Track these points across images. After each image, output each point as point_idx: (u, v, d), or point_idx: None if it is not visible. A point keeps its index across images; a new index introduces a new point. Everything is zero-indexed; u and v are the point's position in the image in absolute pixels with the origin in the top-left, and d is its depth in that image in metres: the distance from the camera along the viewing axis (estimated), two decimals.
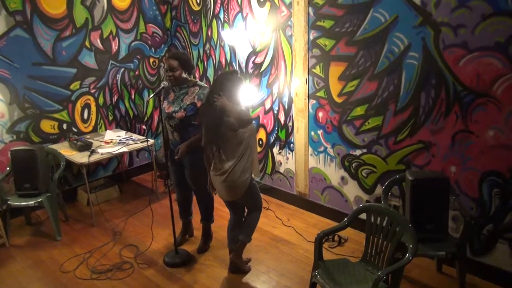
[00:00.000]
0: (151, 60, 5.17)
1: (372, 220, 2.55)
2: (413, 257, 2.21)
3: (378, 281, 2.17)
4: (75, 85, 4.48)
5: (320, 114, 3.71)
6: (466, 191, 2.91)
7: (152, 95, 2.93)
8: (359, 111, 3.40)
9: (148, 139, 4.27)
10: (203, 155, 3.08)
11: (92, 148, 4.04)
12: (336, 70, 3.47)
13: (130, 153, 5.07)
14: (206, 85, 3.17)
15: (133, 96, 5.08)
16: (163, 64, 5.32)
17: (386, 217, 2.48)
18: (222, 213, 3.86)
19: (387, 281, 2.38)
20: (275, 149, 4.28)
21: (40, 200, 3.67)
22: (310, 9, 3.50)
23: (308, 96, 3.75)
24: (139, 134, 4.96)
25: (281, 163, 4.27)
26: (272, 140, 4.27)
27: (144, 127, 5.25)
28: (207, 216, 3.50)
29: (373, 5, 3.07)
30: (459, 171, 2.91)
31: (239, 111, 2.75)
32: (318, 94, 3.67)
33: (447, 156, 2.95)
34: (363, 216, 2.58)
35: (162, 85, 2.95)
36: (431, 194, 2.66)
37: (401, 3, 2.91)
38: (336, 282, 2.38)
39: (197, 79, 3.35)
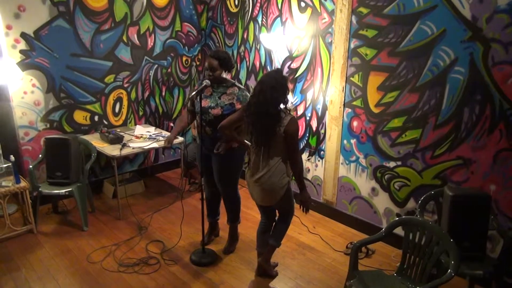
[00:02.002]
0: (184, 58, 5.21)
1: (411, 233, 2.52)
2: (456, 273, 2.17)
3: None
4: (109, 78, 4.53)
5: (355, 123, 3.69)
6: (505, 211, 2.85)
7: (194, 93, 2.93)
8: (396, 122, 3.37)
9: (177, 137, 4.28)
10: (233, 156, 3.09)
11: (123, 142, 4.07)
12: (375, 80, 3.44)
13: (156, 149, 5.10)
14: (244, 87, 3.18)
15: (163, 93, 5.11)
16: (195, 64, 5.35)
17: (425, 231, 2.45)
18: (248, 216, 3.85)
19: None
20: (304, 156, 4.26)
21: (70, 189, 3.70)
22: (353, 18, 3.49)
23: (344, 105, 3.73)
24: (167, 131, 4.98)
25: (309, 170, 4.24)
26: (302, 146, 4.25)
27: (172, 124, 5.28)
28: (234, 217, 3.49)
29: (420, 17, 3.05)
30: (499, 190, 2.85)
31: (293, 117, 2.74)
32: (354, 103, 3.65)
33: (487, 174, 2.90)
34: (394, 230, 2.55)
35: (204, 83, 2.95)
36: (470, 211, 2.60)
37: (451, 16, 2.88)
38: None
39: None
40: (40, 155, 3.89)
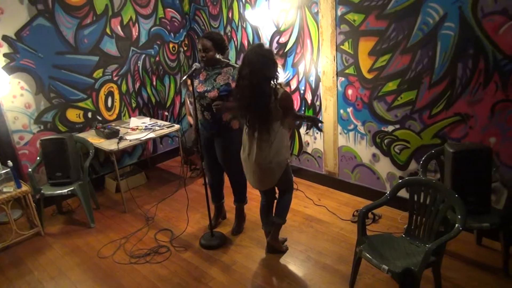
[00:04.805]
0: (171, 45, 5.14)
1: (415, 194, 2.53)
2: (463, 228, 2.19)
3: (429, 253, 2.15)
4: (98, 73, 4.47)
5: (350, 92, 3.66)
6: (507, 161, 2.86)
7: (184, 77, 2.89)
8: (391, 86, 3.34)
9: (174, 124, 4.27)
10: (235, 137, 3.07)
11: (120, 135, 4.05)
12: (366, 45, 3.40)
13: (154, 140, 5.08)
14: (238, 65, 3.13)
15: (154, 83, 5.06)
16: (182, 49, 5.28)
17: (430, 190, 2.46)
18: (252, 196, 3.84)
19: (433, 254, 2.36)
20: (302, 130, 4.25)
21: (72, 188, 3.69)
22: None
23: (337, 74, 3.69)
24: (162, 120, 4.95)
25: (308, 143, 4.24)
26: (298, 122, 4.23)
27: (166, 113, 5.24)
28: (241, 197, 3.50)
29: None
30: (499, 142, 2.86)
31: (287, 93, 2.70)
32: (347, 71, 3.61)
33: (486, 128, 2.90)
34: (399, 193, 2.56)
35: (194, 67, 2.90)
36: (472, 165, 2.61)
37: None
38: (382, 257, 2.37)
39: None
40: (38, 158, 3.87)
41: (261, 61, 2.57)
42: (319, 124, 3.05)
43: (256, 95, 2.59)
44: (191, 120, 4.48)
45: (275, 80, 2.64)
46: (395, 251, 2.44)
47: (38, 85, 4.02)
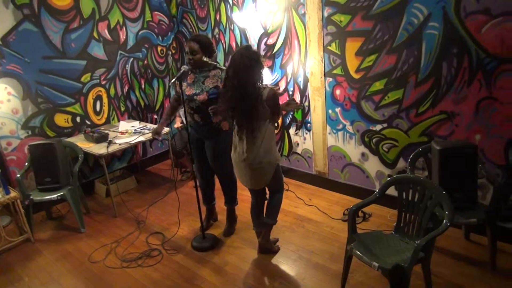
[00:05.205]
0: (159, 48, 5.13)
1: (404, 191, 2.57)
2: (451, 224, 2.23)
3: (418, 249, 2.19)
4: (85, 77, 4.45)
5: (338, 92, 3.70)
6: (491, 158, 2.92)
7: (173, 80, 2.90)
8: (378, 85, 3.39)
9: (164, 127, 4.25)
10: (225, 138, 3.08)
11: (109, 139, 4.03)
12: (352, 46, 3.45)
13: (144, 143, 5.07)
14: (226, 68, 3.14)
15: (143, 86, 5.05)
16: (170, 52, 5.28)
17: (418, 187, 2.50)
18: (243, 197, 3.86)
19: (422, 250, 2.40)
20: (292, 130, 4.28)
21: (62, 193, 3.67)
22: None
23: (325, 74, 3.73)
24: (152, 123, 4.94)
25: (298, 144, 4.27)
26: (288, 122, 4.26)
27: (155, 116, 5.23)
28: (231, 199, 3.51)
29: None
30: (484, 139, 2.91)
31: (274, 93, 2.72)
32: (334, 71, 3.65)
33: (471, 125, 2.95)
34: (388, 191, 2.60)
35: (182, 69, 2.92)
36: (459, 162, 2.66)
37: None
38: (373, 254, 2.40)
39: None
40: (26, 163, 3.83)
41: (246, 63, 2.58)
42: (300, 105, 3.20)
43: (241, 97, 2.61)
44: (178, 125, 4.48)
45: (260, 82, 2.65)
46: (385, 248, 2.47)
47: (25, 90, 3.99)
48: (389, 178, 2.64)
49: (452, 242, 3.07)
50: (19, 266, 3.33)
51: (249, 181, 2.91)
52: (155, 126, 4.43)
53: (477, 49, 2.77)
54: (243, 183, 2.99)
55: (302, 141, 4.21)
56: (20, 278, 3.17)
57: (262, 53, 4.20)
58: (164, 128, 4.20)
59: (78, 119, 4.47)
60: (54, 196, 3.65)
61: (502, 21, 2.61)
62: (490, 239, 2.72)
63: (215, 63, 3.13)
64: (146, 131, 4.23)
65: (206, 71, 3.09)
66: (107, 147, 3.87)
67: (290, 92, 4.11)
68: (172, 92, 5.29)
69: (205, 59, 3.04)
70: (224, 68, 3.08)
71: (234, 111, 2.71)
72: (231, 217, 3.57)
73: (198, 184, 3.51)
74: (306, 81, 3.91)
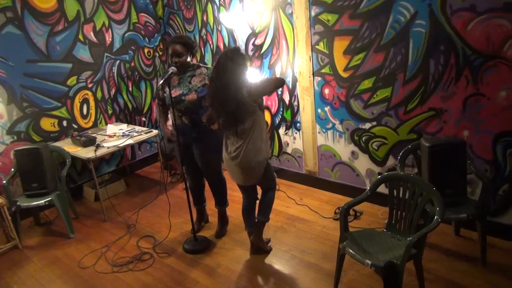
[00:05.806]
0: (146, 50, 5.09)
1: (394, 189, 2.58)
2: (442, 219, 2.24)
3: (410, 245, 2.20)
4: (71, 81, 4.39)
5: (326, 91, 3.71)
6: (480, 154, 2.94)
7: (161, 81, 2.86)
8: (366, 84, 3.40)
9: (152, 130, 4.23)
10: (214, 140, 3.07)
11: (97, 143, 3.98)
12: (340, 44, 3.45)
13: (132, 146, 5.02)
14: (210, 67, 3.12)
15: (130, 88, 5.00)
16: (157, 54, 5.24)
17: (408, 184, 2.51)
18: (234, 198, 3.85)
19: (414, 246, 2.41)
20: (281, 130, 4.27)
21: (50, 198, 3.61)
22: None
23: (313, 74, 3.73)
24: (140, 126, 4.89)
25: (288, 144, 4.26)
26: (277, 122, 4.26)
27: (144, 119, 5.19)
28: (222, 200, 3.49)
29: None
30: (472, 135, 2.94)
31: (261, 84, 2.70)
32: (323, 70, 3.66)
33: (459, 121, 2.98)
34: (379, 189, 2.61)
35: (170, 71, 2.87)
36: (448, 159, 2.68)
37: None
38: (365, 252, 2.40)
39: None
40: (12, 169, 3.76)
41: (229, 65, 2.58)
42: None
43: (225, 99, 2.61)
44: (167, 132, 4.40)
45: (244, 85, 2.64)
46: (377, 246, 2.47)
47: (10, 95, 3.91)
48: (379, 176, 2.65)
49: (442, 238, 3.10)
50: (7, 274, 3.26)
51: (240, 178, 2.90)
52: (143, 128, 4.38)
53: (463, 46, 2.80)
54: (234, 180, 2.98)
55: (292, 141, 4.20)
56: (9, 286, 3.11)
57: (250, 53, 4.19)
58: (153, 131, 4.19)
59: (64, 123, 4.40)
60: (41, 201, 3.58)
61: (487, 18, 2.63)
62: (480, 234, 2.74)
63: (198, 63, 3.12)
64: (135, 134, 4.18)
65: (191, 70, 3.07)
66: (95, 150, 3.82)
67: (279, 92, 4.10)
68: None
69: (189, 59, 3.02)
70: (210, 66, 3.07)
71: (218, 113, 2.71)
72: (223, 219, 3.54)
73: (188, 185, 3.49)
74: (294, 80, 3.91)
